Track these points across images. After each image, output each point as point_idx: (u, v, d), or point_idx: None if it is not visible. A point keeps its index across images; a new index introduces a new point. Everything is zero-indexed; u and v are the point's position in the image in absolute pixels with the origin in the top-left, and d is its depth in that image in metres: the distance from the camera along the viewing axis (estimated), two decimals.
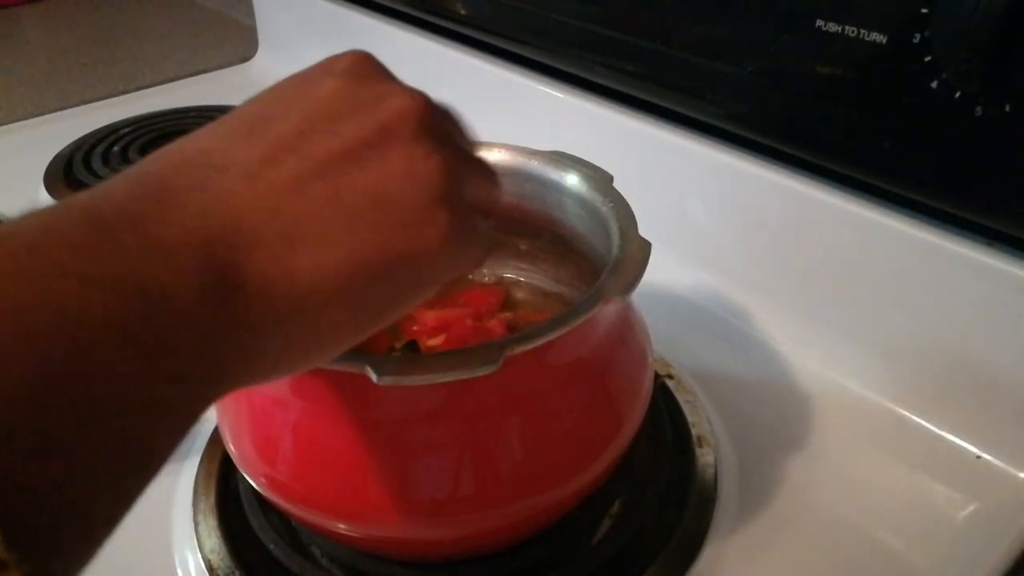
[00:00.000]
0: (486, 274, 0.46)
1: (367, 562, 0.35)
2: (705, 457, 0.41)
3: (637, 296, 0.33)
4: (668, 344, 0.47)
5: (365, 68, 0.25)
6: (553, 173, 0.39)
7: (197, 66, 0.95)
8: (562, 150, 0.39)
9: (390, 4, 0.75)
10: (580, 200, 0.37)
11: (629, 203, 0.35)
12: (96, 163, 0.72)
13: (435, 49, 0.70)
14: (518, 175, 0.40)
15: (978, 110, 0.36)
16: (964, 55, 0.35)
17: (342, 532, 0.32)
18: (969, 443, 0.42)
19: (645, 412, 0.35)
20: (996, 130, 0.36)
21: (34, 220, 0.18)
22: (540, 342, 0.28)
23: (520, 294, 0.45)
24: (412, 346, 0.40)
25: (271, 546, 0.36)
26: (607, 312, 0.33)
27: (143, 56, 1.01)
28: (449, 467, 0.30)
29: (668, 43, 0.49)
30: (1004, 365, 0.40)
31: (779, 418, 0.44)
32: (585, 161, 0.38)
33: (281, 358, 0.22)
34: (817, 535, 0.38)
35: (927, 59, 0.37)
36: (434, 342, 0.41)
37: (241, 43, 1.01)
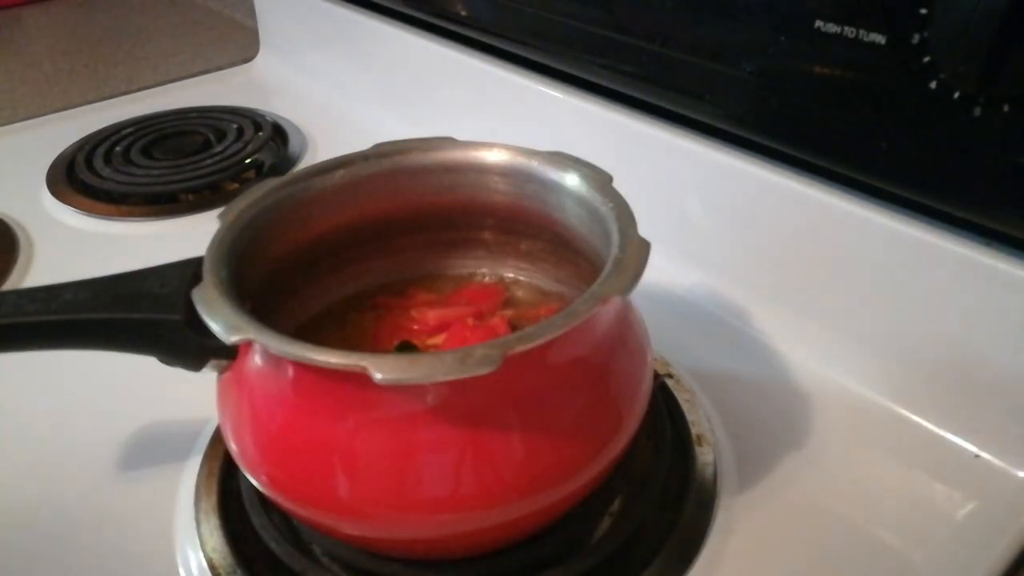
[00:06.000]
0: (487, 273, 0.46)
1: (368, 560, 0.35)
2: (704, 456, 0.41)
3: (636, 296, 0.33)
4: (667, 343, 0.48)
5: None
6: (553, 173, 0.39)
7: (199, 67, 0.95)
8: (562, 150, 0.39)
9: (391, 5, 0.75)
10: (580, 200, 0.38)
11: (628, 203, 0.35)
12: (98, 163, 0.73)
13: (436, 50, 0.70)
14: (518, 175, 0.40)
15: (977, 110, 0.36)
16: (963, 55, 0.35)
17: (343, 531, 0.32)
18: (967, 442, 0.42)
19: (645, 411, 0.35)
20: (994, 130, 0.36)
21: None
22: (540, 342, 0.28)
23: (520, 293, 0.45)
24: (406, 347, 0.40)
25: (272, 545, 0.36)
26: (607, 312, 0.33)
27: (145, 57, 1.01)
28: (449, 466, 0.30)
29: (667, 44, 0.49)
30: (1002, 364, 0.41)
31: (778, 417, 0.44)
32: (585, 161, 0.38)
33: None
34: (815, 533, 0.38)
35: (926, 60, 0.37)
36: (434, 341, 0.41)
37: (243, 44, 1.01)
